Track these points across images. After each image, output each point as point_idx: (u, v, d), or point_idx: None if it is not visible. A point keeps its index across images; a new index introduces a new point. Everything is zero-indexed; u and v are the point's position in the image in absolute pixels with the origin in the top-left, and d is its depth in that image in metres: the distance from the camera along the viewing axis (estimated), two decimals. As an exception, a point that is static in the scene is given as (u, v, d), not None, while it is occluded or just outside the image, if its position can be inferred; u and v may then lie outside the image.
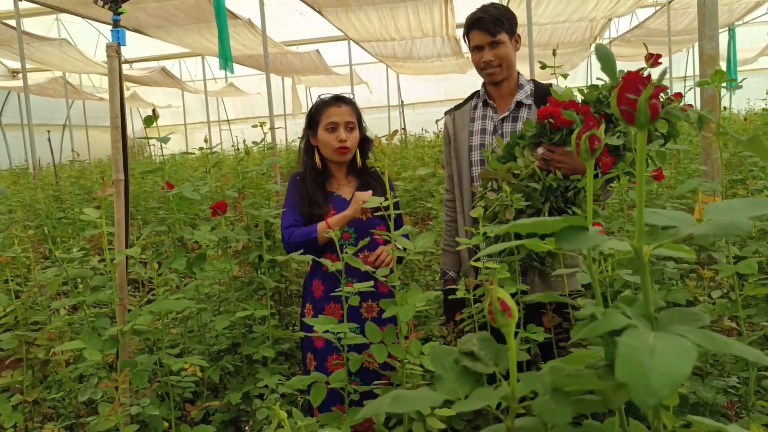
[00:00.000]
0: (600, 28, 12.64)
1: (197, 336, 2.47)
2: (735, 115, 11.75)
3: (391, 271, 1.65)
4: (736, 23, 12.71)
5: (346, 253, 1.67)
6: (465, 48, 2.41)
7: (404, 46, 12.87)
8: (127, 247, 1.96)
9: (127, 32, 10.38)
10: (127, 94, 16.90)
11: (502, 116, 2.34)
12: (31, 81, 11.15)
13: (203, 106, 14.46)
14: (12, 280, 2.22)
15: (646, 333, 0.52)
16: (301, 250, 2.04)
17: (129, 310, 1.96)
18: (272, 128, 5.99)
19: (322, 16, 10.00)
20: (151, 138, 2.12)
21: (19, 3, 7.65)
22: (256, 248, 2.38)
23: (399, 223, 2.40)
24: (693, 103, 2.32)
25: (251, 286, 2.38)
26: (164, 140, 2.15)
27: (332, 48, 14.19)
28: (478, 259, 1.78)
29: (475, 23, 2.28)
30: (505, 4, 9.56)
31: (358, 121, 2.40)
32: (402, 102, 17.10)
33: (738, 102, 13.71)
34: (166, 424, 1.94)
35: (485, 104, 2.38)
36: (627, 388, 0.47)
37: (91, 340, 1.74)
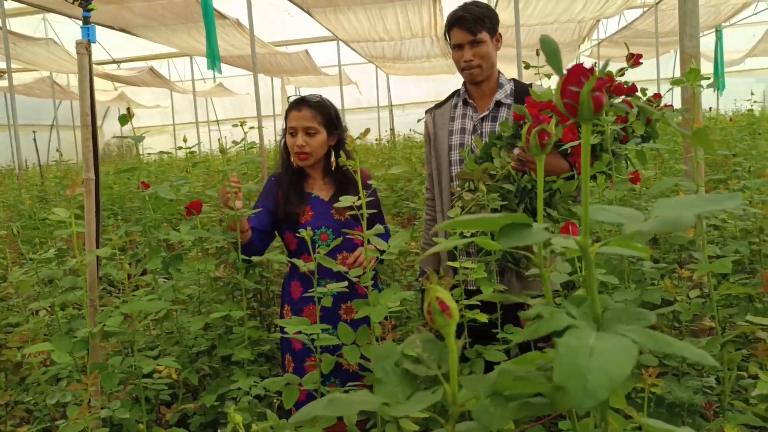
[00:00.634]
0: (588, 29, 12.67)
1: (175, 337, 2.44)
2: (722, 115, 11.82)
3: (365, 271, 1.63)
4: (723, 24, 12.78)
5: (318, 253, 1.65)
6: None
7: (393, 46, 12.85)
8: (98, 247, 1.94)
9: (115, 32, 10.38)
10: (114, 94, 16.81)
11: (481, 115, 2.33)
12: (17, 81, 11.07)
13: (192, 106, 14.38)
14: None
15: (588, 333, 0.50)
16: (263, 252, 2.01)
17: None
18: (260, 128, 5.96)
19: (311, 16, 9.97)
20: (126, 138, 2.10)
21: (5, 2, 7.59)
22: (234, 249, 2.36)
23: (380, 222, 2.38)
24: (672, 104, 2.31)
25: (228, 286, 2.36)
26: (138, 140, 2.13)
27: (321, 48, 14.14)
28: (455, 259, 1.76)
29: (456, 21, 2.27)
30: (493, 5, 9.59)
31: (326, 124, 2.34)
32: (391, 102, 17.09)
33: (725, 103, 13.79)
34: (142, 427, 1.91)
35: (465, 103, 2.37)
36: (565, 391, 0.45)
37: (60, 342, 1.71)
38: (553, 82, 2.60)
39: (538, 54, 2.77)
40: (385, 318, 1.68)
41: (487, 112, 2.32)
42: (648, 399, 1.81)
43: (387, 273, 2.97)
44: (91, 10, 1.87)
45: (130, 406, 1.81)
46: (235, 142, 2.95)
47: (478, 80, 2.31)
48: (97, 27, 1.92)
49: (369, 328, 1.63)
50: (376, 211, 1.88)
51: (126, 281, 1.91)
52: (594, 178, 2.01)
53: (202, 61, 13.64)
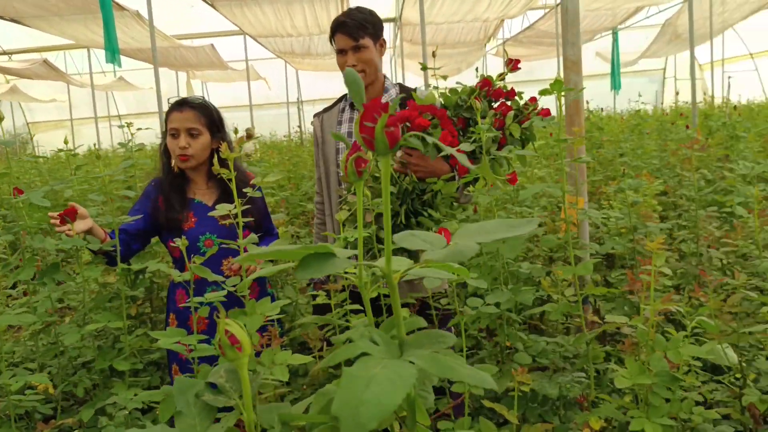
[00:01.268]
0: (494, 28, 13.03)
1: (57, 349, 2.34)
2: (618, 114, 12.44)
3: (241, 279, 1.61)
4: (619, 27, 13.45)
5: (193, 262, 1.62)
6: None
7: (302, 42, 12.75)
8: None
9: (5, 22, 9.77)
10: (6, 87, 15.85)
11: (368, 119, 2.35)
12: None
13: (91, 100, 13.73)
14: None
15: (377, 362, 0.51)
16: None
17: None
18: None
19: (215, 9, 9.74)
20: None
21: None
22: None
23: (267, 224, 2.34)
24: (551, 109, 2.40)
25: (110, 295, 2.28)
26: (8, 143, 2.02)
27: (228, 42, 13.78)
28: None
29: (339, 27, 2.28)
30: (400, 3, 9.67)
31: (209, 126, 2.30)
32: (301, 98, 16.95)
33: (621, 102, 14.52)
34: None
35: (352, 107, 2.39)
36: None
37: None
38: (450, 83, 2.65)
39: (434, 55, 2.83)
40: (271, 324, 1.66)
41: (373, 116, 2.34)
42: (522, 396, 1.89)
43: (282, 276, 2.95)
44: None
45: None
46: (120, 144, 2.84)
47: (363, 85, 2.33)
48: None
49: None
50: (253, 219, 1.85)
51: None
52: (475, 181, 2.07)
53: (101, 54, 13.06)
